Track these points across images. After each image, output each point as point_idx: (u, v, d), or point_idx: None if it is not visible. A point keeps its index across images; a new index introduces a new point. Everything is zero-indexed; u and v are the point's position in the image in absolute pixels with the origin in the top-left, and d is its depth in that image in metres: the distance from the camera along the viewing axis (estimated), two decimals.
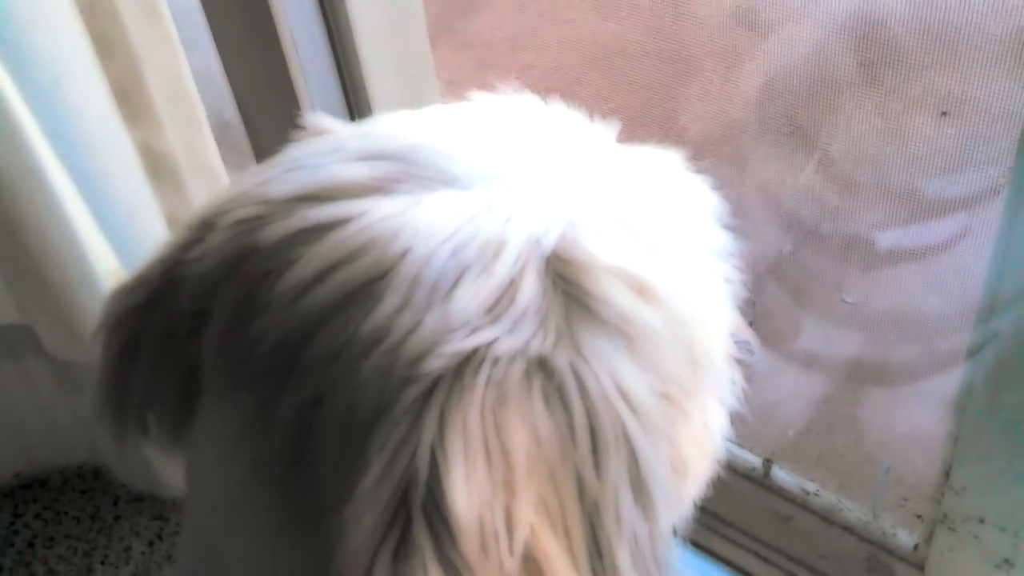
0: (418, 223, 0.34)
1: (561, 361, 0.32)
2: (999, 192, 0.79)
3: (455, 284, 0.33)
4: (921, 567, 0.85)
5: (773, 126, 1.05)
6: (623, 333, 0.34)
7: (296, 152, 0.40)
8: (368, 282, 0.33)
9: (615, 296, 0.34)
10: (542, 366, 0.32)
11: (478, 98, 0.42)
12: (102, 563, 1.11)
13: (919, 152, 0.90)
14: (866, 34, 0.83)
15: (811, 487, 0.92)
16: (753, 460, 0.93)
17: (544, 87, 0.43)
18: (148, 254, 0.43)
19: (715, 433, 0.42)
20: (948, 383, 1.07)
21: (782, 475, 0.92)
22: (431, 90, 0.90)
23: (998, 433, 0.71)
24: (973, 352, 0.70)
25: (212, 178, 0.95)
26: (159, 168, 0.92)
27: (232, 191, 0.40)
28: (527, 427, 0.32)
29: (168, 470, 1.12)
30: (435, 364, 0.31)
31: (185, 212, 0.96)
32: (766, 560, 0.93)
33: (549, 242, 0.34)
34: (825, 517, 0.91)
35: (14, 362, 1.11)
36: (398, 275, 0.33)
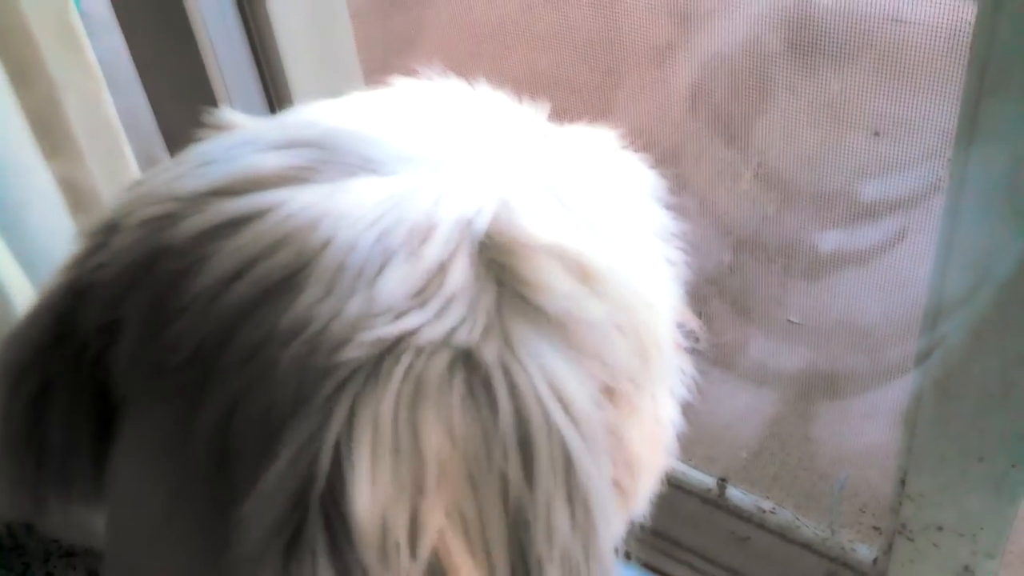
0: (340, 210, 0.32)
1: (489, 354, 0.30)
2: (936, 191, 0.78)
3: (380, 270, 0.30)
4: None
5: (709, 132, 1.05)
6: (562, 324, 0.31)
7: (207, 147, 0.37)
8: (289, 275, 0.31)
9: (553, 282, 0.32)
10: (467, 359, 0.30)
11: (400, 83, 0.40)
12: None
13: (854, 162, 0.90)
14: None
15: (767, 505, 0.90)
16: (707, 480, 0.91)
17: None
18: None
19: (667, 425, 0.39)
20: (897, 394, 1.06)
21: (737, 494, 0.90)
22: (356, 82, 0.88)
23: (950, 441, 0.69)
24: (921, 359, 0.68)
25: None
26: (81, 202, 0.89)
27: (136, 190, 0.37)
28: (444, 424, 0.29)
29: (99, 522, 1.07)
30: (353, 353, 0.29)
31: None
32: None
33: (481, 224, 0.32)
34: (783, 535, 0.89)
35: None
36: (319, 265, 0.31)
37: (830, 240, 0.96)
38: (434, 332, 0.30)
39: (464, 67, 0.40)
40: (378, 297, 0.30)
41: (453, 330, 0.30)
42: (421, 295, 0.30)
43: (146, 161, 0.94)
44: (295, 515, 0.28)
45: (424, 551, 0.29)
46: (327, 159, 0.33)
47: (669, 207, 0.40)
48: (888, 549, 0.80)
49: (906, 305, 0.90)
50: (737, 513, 0.90)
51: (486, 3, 1.46)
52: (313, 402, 0.29)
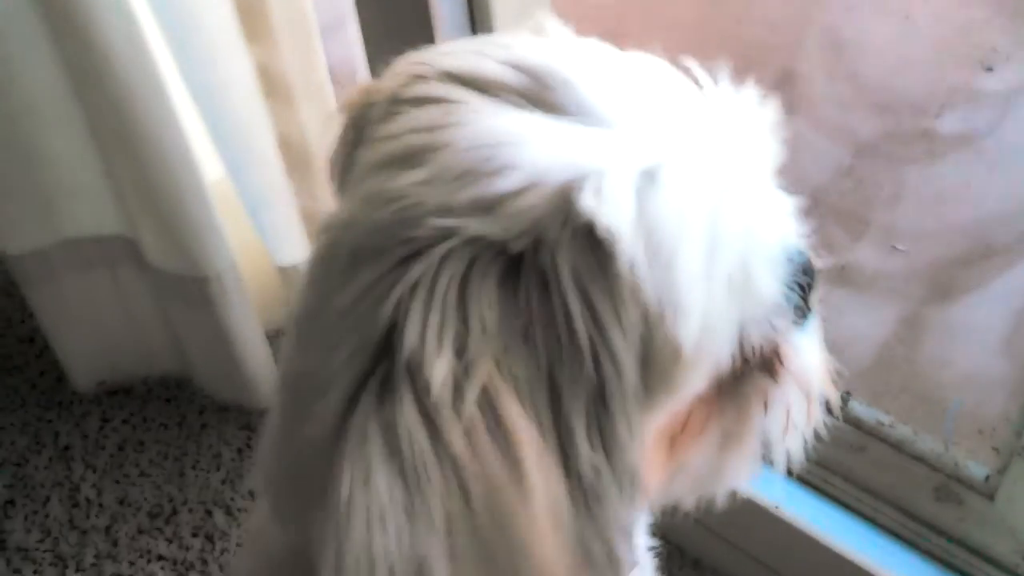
0: (487, 125, 0.38)
1: (529, 259, 0.36)
2: None
3: (471, 182, 0.36)
4: (991, 497, 0.90)
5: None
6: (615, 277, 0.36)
7: (487, 40, 0.44)
8: (418, 152, 0.38)
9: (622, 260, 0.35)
10: (510, 259, 0.36)
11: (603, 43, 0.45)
12: (192, 468, 1.16)
13: None
14: None
15: (886, 419, 0.96)
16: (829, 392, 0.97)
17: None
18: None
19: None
20: (1004, 320, 1.12)
21: (858, 407, 0.97)
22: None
23: None
24: None
25: (322, 99, 0.98)
26: (274, 86, 0.95)
27: (432, 51, 0.45)
28: (485, 298, 0.35)
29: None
30: (423, 232, 0.36)
31: (295, 131, 0.99)
32: (843, 489, 0.98)
33: (580, 198, 0.35)
34: (899, 447, 0.95)
35: (108, 271, 1.14)
36: (438, 156, 0.37)
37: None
38: (489, 234, 0.35)
39: None
40: (457, 199, 0.36)
41: (505, 240, 0.35)
42: (491, 207, 0.36)
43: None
44: (380, 364, 0.35)
45: (473, 392, 0.34)
46: (533, 89, 0.39)
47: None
48: (1003, 468, 0.86)
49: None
50: (856, 424, 0.97)
51: None
52: (386, 258, 0.36)
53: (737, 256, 0.37)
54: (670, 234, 0.36)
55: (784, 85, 1.57)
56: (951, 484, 0.93)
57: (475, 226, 0.36)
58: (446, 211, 0.36)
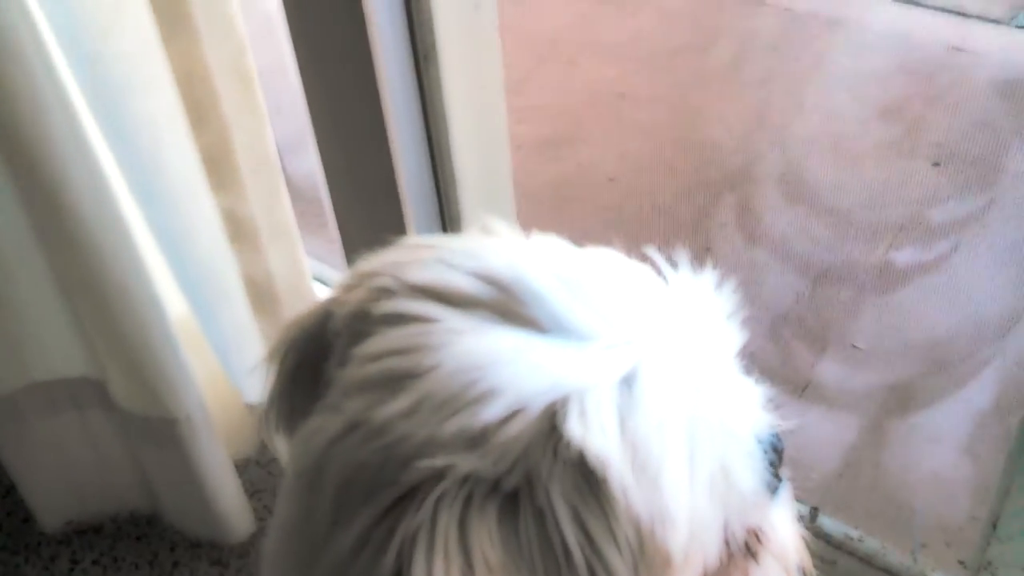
0: (464, 347, 0.39)
1: (524, 495, 0.37)
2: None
3: (457, 411, 0.37)
4: None
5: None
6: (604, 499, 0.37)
7: (446, 247, 0.45)
8: (400, 377, 0.39)
9: (611, 482, 0.37)
10: (506, 495, 0.37)
11: (592, 250, 0.46)
12: None
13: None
14: None
15: (854, 533, 0.97)
16: (801, 508, 0.99)
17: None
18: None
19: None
20: (964, 425, 1.15)
21: (827, 522, 0.98)
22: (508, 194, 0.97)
23: None
24: None
25: (288, 241, 1.00)
26: (240, 231, 0.97)
27: (389, 258, 0.46)
28: (485, 535, 0.36)
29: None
30: (410, 475, 0.37)
31: (261, 272, 1.00)
32: None
33: (565, 422, 0.37)
34: (868, 561, 0.96)
35: (75, 413, 1.14)
36: (420, 383, 0.38)
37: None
38: (480, 470, 0.36)
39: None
40: (443, 434, 0.37)
41: (498, 475, 0.37)
42: (479, 440, 0.37)
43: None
44: None
45: None
46: (505, 303, 0.40)
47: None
48: None
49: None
50: (826, 539, 0.98)
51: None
52: (380, 500, 0.37)
53: (716, 459, 0.39)
54: (654, 450, 0.38)
55: (740, 184, 1.62)
56: None
57: (466, 463, 0.37)
58: (434, 446, 0.37)
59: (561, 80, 2.05)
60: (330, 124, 0.92)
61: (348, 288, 0.46)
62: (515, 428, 0.37)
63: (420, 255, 0.44)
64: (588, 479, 0.37)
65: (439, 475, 0.36)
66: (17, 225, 0.97)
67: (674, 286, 0.44)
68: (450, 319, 0.40)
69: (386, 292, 0.43)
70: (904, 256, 1.19)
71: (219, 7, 0.85)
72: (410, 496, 0.37)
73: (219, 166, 0.93)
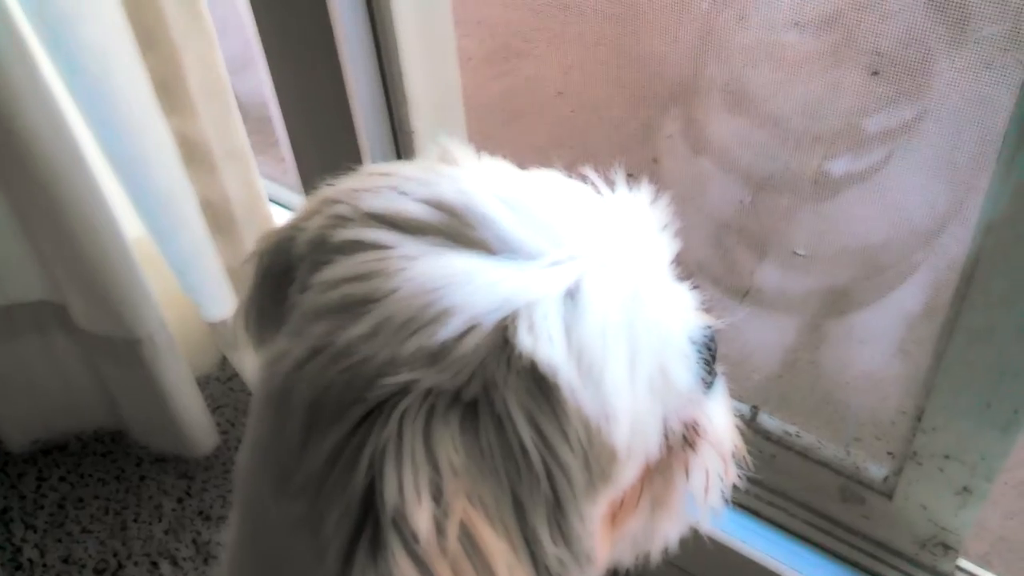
0: (419, 271, 0.41)
1: (484, 404, 0.40)
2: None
3: (416, 330, 0.40)
4: (890, 495, 0.98)
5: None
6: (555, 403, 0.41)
7: (398, 174, 0.47)
8: (359, 302, 0.41)
9: (562, 383, 0.40)
10: (466, 405, 0.40)
11: (536, 171, 0.49)
12: (135, 521, 1.18)
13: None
14: None
15: (792, 429, 1.04)
16: (742, 407, 1.04)
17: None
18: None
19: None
20: (896, 326, 1.21)
21: (767, 420, 1.04)
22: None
23: (968, 386, 0.82)
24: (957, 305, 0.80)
25: (241, 161, 1.01)
26: (194, 153, 0.98)
27: (348, 185, 0.48)
28: (449, 443, 0.39)
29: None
30: (375, 392, 0.39)
31: (217, 194, 1.01)
32: (756, 496, 1.05)
33: (515, 333, 0.40)
34: (804, 455, 1.03)
35: (37, 336, 1.15)
36: (379, 307, 0.41)
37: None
38: (441, 384, 0.39)
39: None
40: (404, 351, 0.40)
41: (457, 386, 0.40)
42: (438, 357, 0.40)
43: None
44: (368, 522, 0.39)
45: (454, 529, 0.38)
46: (455, 227, 0.43)
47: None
48: (899, 471, 0.95)
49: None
50: (766, 435, 1.04)
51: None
52: (347, 419, 0.40)
53: (654, 360, 0.43)
54: (597, 355, 0.41)
55: (685, 96, 1.64)
56: (853, 486, 1.01)
57: (427, 378, 0.40)
58: (396, 365, 0.40)
59: None
60: (279, 44, 0.93)
61: (308, 214, 0.48)
62: (471, 343, 0.40)
63: (376, 183, 0.47)
64: (540, 385, 0.40)
65: (403, 391, 0.39)
66: None
67: (612, 203, 0.48)
68: (405, 245, 0.43)
69: (343, 220, 0.45)
70: (840, 165, 1.23)
71: None
72: (377, 412, 0.39)
73: (170, 90, 0.93)
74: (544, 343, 0.40)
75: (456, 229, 0.43)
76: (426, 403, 0.39)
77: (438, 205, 0.44)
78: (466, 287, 0.41)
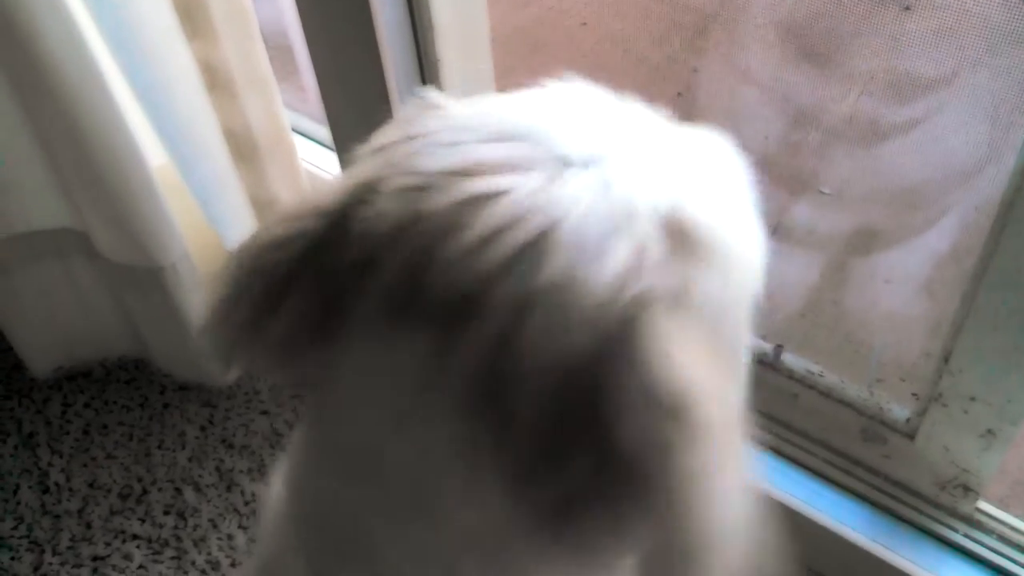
0: (560, 197, 0.41)
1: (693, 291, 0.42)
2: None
3: (603, 250, 0.40)
4: (912, 436, 0.98)
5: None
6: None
7: (430, 126, 0.46)
8: (531, 243, 0.40)
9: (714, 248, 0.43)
10: (678, 299, 0.41)
11: (553, 85, 0.49)
12: (159, 448, 1.19)
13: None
14: None
15: (815, 368, 1.03)
16: (765, 346, 1.04)
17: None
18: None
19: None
20: (923, 267, 1.20)
21: (791, 359, 1.04)
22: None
23: (998, 329, 0.82)
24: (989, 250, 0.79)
25: (264, 89, 1.00)
26: (216, 80, 0.97)
27: (381, 157, 0.46)
28: (682, 338, 0.41)
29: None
30: (600, 312, 0.40)
31: (239, 122, 1.00)
32: (777, 435, 1.05)
33: (668, 209, 0.42)
34: (828, 394, 1.02)
35: (59, 262, 1.15)
36: (557, 239, 0.40)
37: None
38: (654, 286, 0.40)
39: None
40: (605, 268, 0.40)
41: (662, 285, 0.41)
42: (637, 265, 0.40)
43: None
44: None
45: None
46: (536, 154, 0.43)
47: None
48: (922, 412, 0.94)
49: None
50: (789, 374, 1.04)
51: None
52: (578, 343, 0.40)
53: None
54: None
55: (713, 28, 1.61)
56: (876, 426, 1.01)
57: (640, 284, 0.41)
58: (610, 286, 0.42)
59: None
60: None
61: (351, 203, 0.45)
62: (652, 248, 0.41)
63: (409, 148, 0.45)
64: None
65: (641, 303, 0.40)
66: None
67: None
68: (516, 181, 0.42)
69: (419, 191, 0.43)
70: (873, 104, 1.21)
71: None
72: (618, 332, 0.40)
73: (193, 15, 0.92)
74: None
75: (535, 158, 0.43)
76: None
77: (502, 139, 0.43)
78: (619, 194, 0.42)
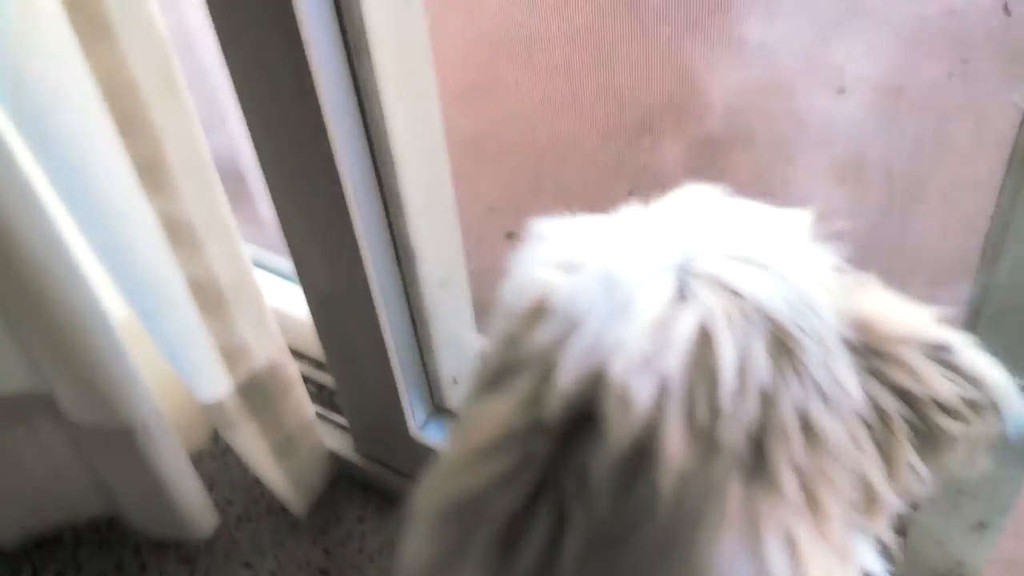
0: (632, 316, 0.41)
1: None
2: None
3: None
4: (904, 533, 0.97)
5: None
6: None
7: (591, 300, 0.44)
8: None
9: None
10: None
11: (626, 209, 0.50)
12: None
13: None
14: None
15: None
16: None
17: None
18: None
19: None
20: None
21: None
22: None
23: None
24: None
25: (226, 234, 1.00)
26: (178, 233, 0.96)
27: (556, 339, 0.43)
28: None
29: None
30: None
31: (204, 271, 1.00)
32: None
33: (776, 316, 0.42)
34: None
35: (24, 427, 1.12)
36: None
37: None
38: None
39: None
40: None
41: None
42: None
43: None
44: None
45: None
46: (599, 282, 0.43)
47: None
48: (913, 509, 0.94)
49: None
50: None
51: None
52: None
53: None
54: None
55: (655, 127, 1.65)
56: None
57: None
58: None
59: (470, 28, 2.04)
60: (257, 102, 0.91)
61: (537, 383, 0.42)
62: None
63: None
64: None
65: None
66: None
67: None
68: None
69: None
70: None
71: (138, 13, 0.84)
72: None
73: (152, 172, 0.92)
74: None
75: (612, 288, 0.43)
76: None
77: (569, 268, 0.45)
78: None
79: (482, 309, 1.18)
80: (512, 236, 1.62)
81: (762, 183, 1.46)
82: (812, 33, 1.61)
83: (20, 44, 0.80)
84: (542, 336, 0.42)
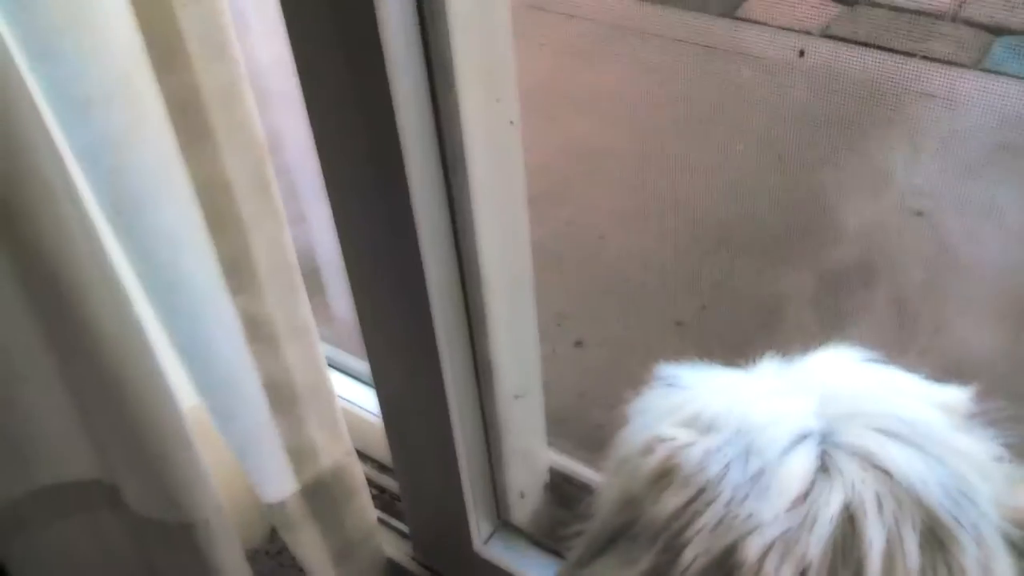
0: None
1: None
2: None
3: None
4: None
5: None
6: None
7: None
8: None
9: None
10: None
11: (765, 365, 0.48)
12: None
13: None
14: None
15: None
16: None
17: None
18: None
19: None
20: None
21: None
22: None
23: None
24: None
25: (306, 337, 0.99)
26: (258, 332, 0.96)
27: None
28: None
29: None
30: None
31: (280, 372, 0.99)
32: None
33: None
34: None
35: (85, 516, 1.11)
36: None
37: None
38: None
39: None
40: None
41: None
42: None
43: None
44: None
45: None
46: (734, 446, 0.42)
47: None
48: None
49: None
50: None
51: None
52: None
53: None
54: None
55: (728, 242, 1.62)
56: None
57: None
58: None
59: (540, 136, 2.05)
60: (350, 213, 0.91)
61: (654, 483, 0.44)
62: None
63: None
64: None
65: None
66: (26, 331, 0.95)
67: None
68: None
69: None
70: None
71: (238, 117, 0.84)
72: None
73: (238, 271, 0.92)
74: None
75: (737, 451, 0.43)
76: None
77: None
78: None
79: (553, 421, 1.15)
80: (580, 344, 1.60)
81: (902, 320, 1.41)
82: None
83: (123, 141, 0.81)
84: (668, 503, 0.40)
